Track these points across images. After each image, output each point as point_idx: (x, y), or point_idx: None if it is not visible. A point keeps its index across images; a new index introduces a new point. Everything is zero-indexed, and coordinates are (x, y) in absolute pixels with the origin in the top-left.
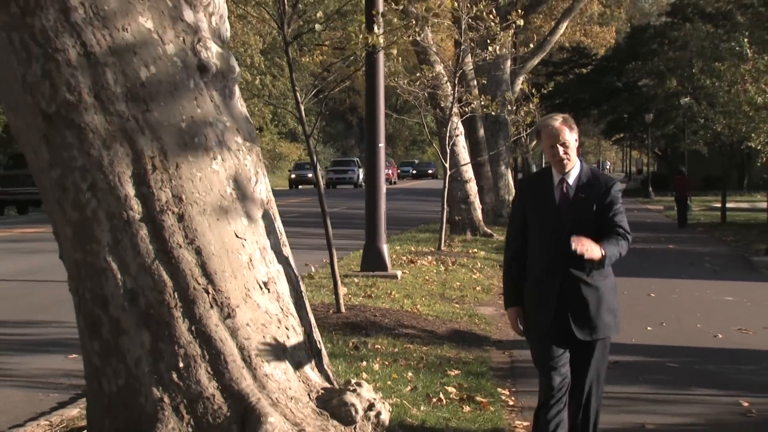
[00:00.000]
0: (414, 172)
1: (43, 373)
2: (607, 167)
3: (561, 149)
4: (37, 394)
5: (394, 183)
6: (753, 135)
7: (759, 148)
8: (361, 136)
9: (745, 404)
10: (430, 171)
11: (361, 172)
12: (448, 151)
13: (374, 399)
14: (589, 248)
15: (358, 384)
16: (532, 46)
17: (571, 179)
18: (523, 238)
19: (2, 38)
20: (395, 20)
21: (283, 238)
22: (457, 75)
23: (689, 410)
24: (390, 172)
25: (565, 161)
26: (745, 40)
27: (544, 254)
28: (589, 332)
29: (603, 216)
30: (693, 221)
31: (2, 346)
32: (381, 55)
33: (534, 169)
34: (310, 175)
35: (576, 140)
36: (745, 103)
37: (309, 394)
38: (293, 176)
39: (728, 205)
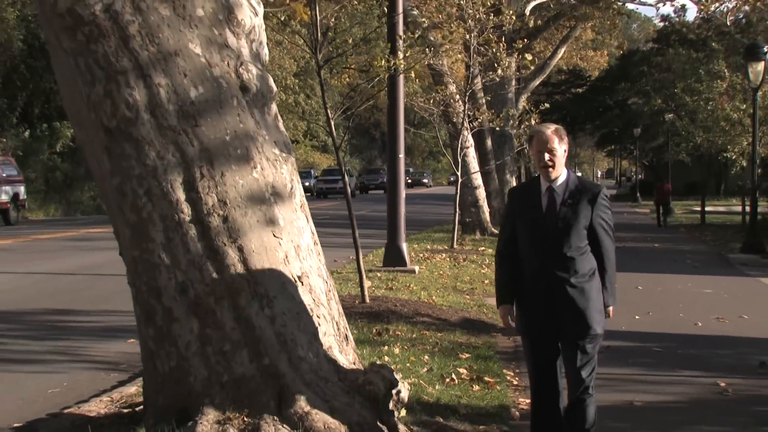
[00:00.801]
0: (409, 180)
1: (105, 355)
2: (599, 175)
3: (547, 156)
4: (99, 374)
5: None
6: (729, 147)
7: (734, 158)
8: (383, 148)
9: (722, 384)
10: (424, 180)
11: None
12: (460, 161)
13: (395, 379)
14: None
15: (381, 366)
16: (533, 68)
17: (558, 187)
18: (513, 244)
19: (70, 62)
20: (414, 47)
21: (315, 238)
22: (467, 94)
23: (673, 389)
24: (385, 180)
25: (551, 168)
26: (722, 64)
27: (533, 259)
28: (577, 329)
29: (594, 220)
30: (676, 223)
31: (70, 332)
32: (401, 77)
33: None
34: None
35: (565, 151)
36: (722, 119)
37: (338, 375)
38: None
39: (707, 208)
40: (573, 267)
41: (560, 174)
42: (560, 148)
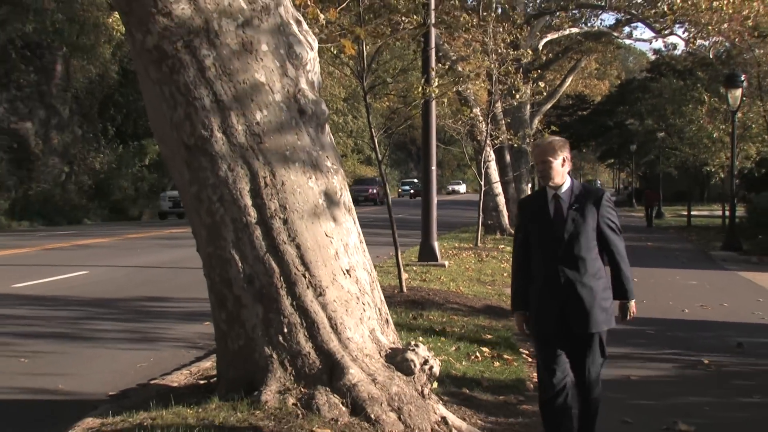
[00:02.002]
0: (412, 192)
1: (184, 335)
2: (598, 183)
3: (542, 166)
4: (180, 351)
5: (381, 203)
6: (710, 161)
7: (714, 170)
8: (418, 161)
9: (706, 361)
10: (460, 189)
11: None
12: (483, 172)
13: (428, 356)
14: (630, 315)
15: (416, 345)
16: (545, 94)
17: (564, 194)
18: (525, 251)
19: (156, 90)
20: (445, 76)
21: (360, 237)
22: (490, 116)
23: (663, 366)
24: (375, 191)
25: (553, 176)
26: (704, 91)
27: (544, 263)
28: (585, 326)
29: (601, 221)
30: (665, 225)
31: (155, 315)
32: (434, 102)
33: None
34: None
35: (563, 160)
36: (705, 137)
37: (380, 353)
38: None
39: (692, 212)
40: (583, 267)
41: (563, 182)
42: (556, 160)
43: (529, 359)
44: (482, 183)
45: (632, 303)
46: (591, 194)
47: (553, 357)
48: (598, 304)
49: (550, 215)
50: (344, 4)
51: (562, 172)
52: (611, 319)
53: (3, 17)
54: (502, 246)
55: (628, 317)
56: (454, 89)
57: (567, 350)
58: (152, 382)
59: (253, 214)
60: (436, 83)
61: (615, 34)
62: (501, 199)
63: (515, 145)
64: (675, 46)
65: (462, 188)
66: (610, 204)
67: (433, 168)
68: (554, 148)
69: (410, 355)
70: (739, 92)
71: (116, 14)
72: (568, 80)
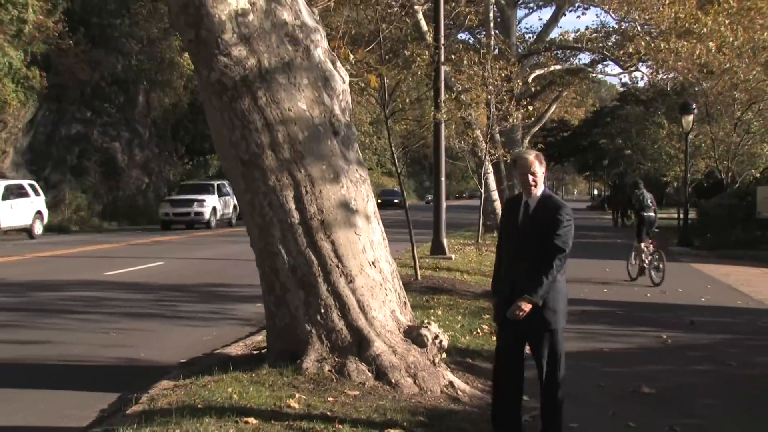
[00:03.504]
0: (379, 201)
1: (241, 314)
2: (575, 193)
3: (530, 177)
4: (237, 327)
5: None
6: (667, 173)
7: (671, 180)
8: (430, 173)
9: (664, 336)
10: (396, 201)
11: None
12: (483, 182)
13: (438, 332)
14: (520, 311)
15: (429, 323)
16: (533, 119)
17: (532, 201)
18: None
19: (218, 115)
20: (451, 104)
21: (383, 235)
22: (488, 137)
23: (630, 340)
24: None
25: (532, 187)
26: (663, 117)
27: (505, 260)
28: (537, 326)
29: (548, 233)
30: (631, 225)
31: (218, 298)
32: (442, 125)
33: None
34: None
35: (543, 172)
36: (664, 154)
37: (399, 329)
38: (379, 201)
39: None
40: (531, 269)
41: (539, 191)
42: (540, 170)
43: None
44: (482, 191)
45: (525, 303)
46: (552, 208)
47: (506, 342)
48: (548, 306)
49: (518, 219)
50: (370, 47)
51: (539, 184)
52: (558, 319)
53: (98, 58)
54: None
55: (516, 312)
56: (460, 115)
57: (519, 341)
58: (215, 352)
59: (296, 216)
60: (445, 110)
61: (590, 70)
62: (498, 204)
63: (509, 160)
64: (638, 80)
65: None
66: (564, 219)
67: (443, 179)
68: (540, 159)
69: (424, 331)
70: (691, 118)
71: (187, 55)
72: (552, 107)
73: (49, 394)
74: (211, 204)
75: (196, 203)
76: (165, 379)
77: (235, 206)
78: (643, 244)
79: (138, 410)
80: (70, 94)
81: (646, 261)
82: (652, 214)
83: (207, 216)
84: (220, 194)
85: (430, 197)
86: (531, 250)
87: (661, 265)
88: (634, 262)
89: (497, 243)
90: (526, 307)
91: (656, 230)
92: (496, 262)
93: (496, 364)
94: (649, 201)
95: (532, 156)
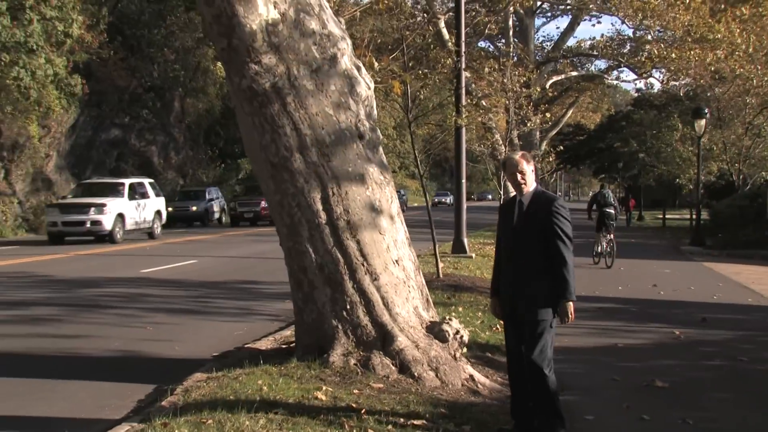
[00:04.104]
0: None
1: (270, 310)
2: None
3: (519, 176)
4: (267, 322)
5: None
6: (681, 175)
7: (684, 183)
8: (451, 175)
9: (677, 332)
10: (489, 197)
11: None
12: (502, 184)
13: (459, 327)
14: (569, 314)
15: (450, 319)
16: (551, 123)
17: (525, 199)
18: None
19: (248, 120)
20: (472, 109)
21: (407, 234)
22: (507, 140)
23: (643, 336)
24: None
25: (523, 185)
26: (678, 120)
27: (503, 258)
28: (526, 318)
29: (547, 226)
30: (645, 225)
31: (248, 294)
32: (463, 129)
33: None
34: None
35: (532, 170)
36: (677, 157)
37: (421, 325)
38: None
39: (667, 216)
40: (526, 266)
41: (530, 189)
42: (528, 169)
43: None
44: (501, 192)
45: (569, 304)
46: (544, 202)
47: (511, 338)
48: (538, 299)
49: (513, 221)
50: (394, 54)
51: (529, 182)
52: (547, 311)
53: (135, 66)
54: None
55: (566, 319)
56: (480, 119)
57: (516, 332)
58: (246, 346)
59: (323, 216)
60: (466, 115)
61: (605, 76)
62: None
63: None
64: (652, 86)
65: (449, 199)
66: (560, 210)
67: (464, 181)
68: (527, 158)
69: (445, 326)
70: (703, 122)
71: (220, 63)
72: (569, 112)
73: (89, 385)
74: (115, 210)
75: (93, 209)
76: (198, 371)
77: (159, 212)
78: (601, 235)
79: (173, 401)
80: (109, 100)
81: (599, 248)
82: (612, 210)
83: (108, 226)
84: (134, 196)
85: (436, 198)
86: (528, 247)
87: (612, 253)
88: (598, 250)
89: (495, 245)
90: (571, 308)
91: (612, 223)
92: (495, 263)
93: (508, 360)
94: (610, 200)
95: (518, 156)
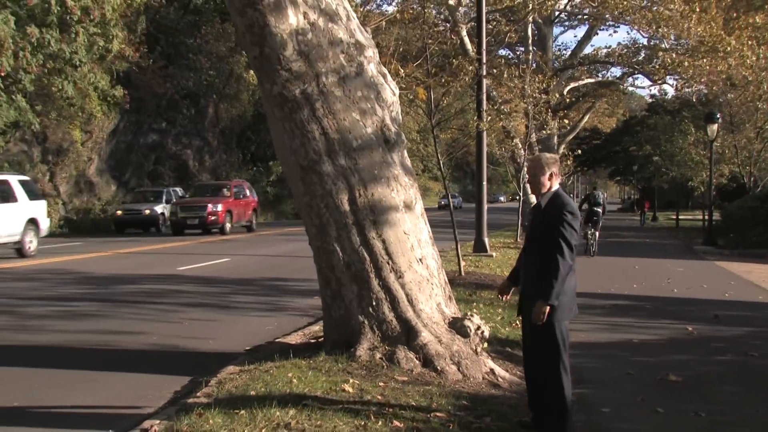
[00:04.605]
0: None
1: (299, 306)
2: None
3: (539, 178)
4: (296, 318)
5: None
6: (693, 178)
7: (696, 185)
8: (472, 178)
9: (690, 329)
10: (501, 198)
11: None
12: (521, 186)
13: (480, 323)
14: (540, 315)
15: (471, 315)
16: (568, 128)
17: (543, 201)
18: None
19: (279, 125)
20: (493, 114)
21: (430, 234)
22: (526, 144)
23: (658, 332)
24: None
25: (542, 187)
26: (691, 125)
27: (524, 256)
28: (529, 312)
29: (554, 230)
30: (659, 226)
31: (278, 291)
32: (484, 134)
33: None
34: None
35: (555, 173)
36: (690, 160)
37: (444, 321)
38: (442, 202)
39: (680, 217)
40: (537, 264)
41: (549, 192)
42: (544, 175)
43: None
44: (521, 194)
45: (544, 306)
46: (557, 206)
47: (526, 334)
48: (535, 300)
49: (534, 220)
50: (418, 62)
51: (547, 185)
52: (556, 310)
53: (172, 74)
54: None
55: (535, 316)
56: (500, 124)
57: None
58: (276, 340)
59: (350, 217)
60: (487, 120)
61: (621, 83)
62: None
63: None
64: (666, 92)
65: (457, 201)
66: (567, 218)
67: (484, 183)
68: (546, 163)
69: (467, 322)
70: (715, 127)
71: (252, 70)
72: (586, 117)
73: (128, 377)
74: None
75: None
76: (231, 364)
77: (35, 221)
78: (588, 232)
79: (208, 392)
80: (147, 106)
81: (587, 241)
82: (599, 210)
83: None
84: None
85: (443, 201)
86: (538, 248)
87: (595, 247)
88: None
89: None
90: (544, 309)
91: (597, 219)
92: (520, 255)
93: (523, 355)
94: (599, 200)
95: (541, 158)
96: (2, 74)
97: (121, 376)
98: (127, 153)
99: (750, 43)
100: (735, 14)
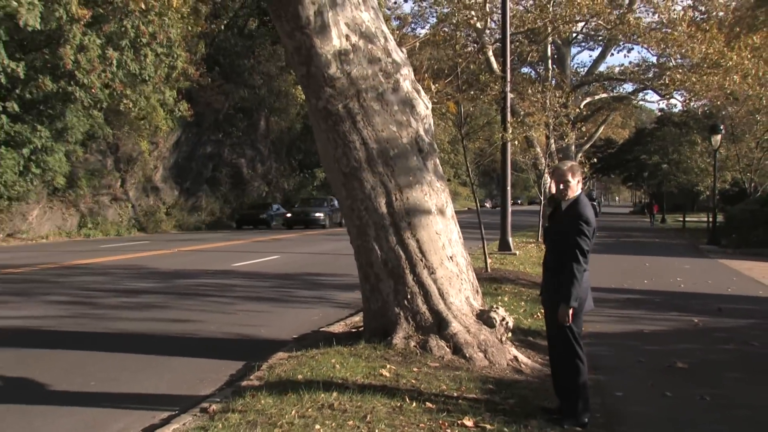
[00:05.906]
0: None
1: (342, 299)
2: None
3: (563, 185)
4: (339, 309)
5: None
6: (699, 183)
7: (702, 190)
8: (497, 183)
9: (696, 320)
10: (518, 201)
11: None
12: (543, 191)
13: (505, 315)
14: (565, 318)
15: (497, 307)
16: (585, 138)
17: (564, 205)
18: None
19: (324, 136)
20: (516, 126)
21: (460, 234)
22: (547, 153)
23: (666, 323)
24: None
25: (565, 194)
26: (697, 136)
27: (545, 253)
28: (556, 313)
29: (568, 236)
30: (668, 227)
31: (322, 286)
32: (509, 144)
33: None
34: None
35: (578, 182)
36: (695, 167)
37: (472, 312)
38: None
39: (686, 219)
40: (554, 262)
41: (572, 197)
42: (573, 180)
43: None
44: (542, 198)
45: (566, 308)
46: (574, 212)
47: (548, 326)
48: (550, 295)
49: (553, 222)
50: (449, 79)
51: (576, 190)
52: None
53: (228, 91)
54: None
55: (559, 319)
56: (523, 135)
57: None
58: (321, 329)
59: (387, 219)
60: (511, 131)
61: (633, 97)
62: None
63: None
64: (674, 106)
65: (489, 204)
66: (582, 227)
67: (509, 188)
68: (573, 170)
69: (493, 314)
70: (719, 137)
71: (299, 87)
72: (601, 128)
73: (190, 361)
74: None
75: None
76: (281, 351)
77: None
78: None
79: (260, 375)
80: (206, 120)
81: None
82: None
83: None
84: None
85: (488, 203)
86: (555, 247)
87: None
88: None
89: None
90: (567, 311)
91: None
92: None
93: (548, 344)
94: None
95: (566, 167)
96: (93, 91)
97: (183, 360)
98: (188, 161)
99: (750, 56)
100: (738, 30)
